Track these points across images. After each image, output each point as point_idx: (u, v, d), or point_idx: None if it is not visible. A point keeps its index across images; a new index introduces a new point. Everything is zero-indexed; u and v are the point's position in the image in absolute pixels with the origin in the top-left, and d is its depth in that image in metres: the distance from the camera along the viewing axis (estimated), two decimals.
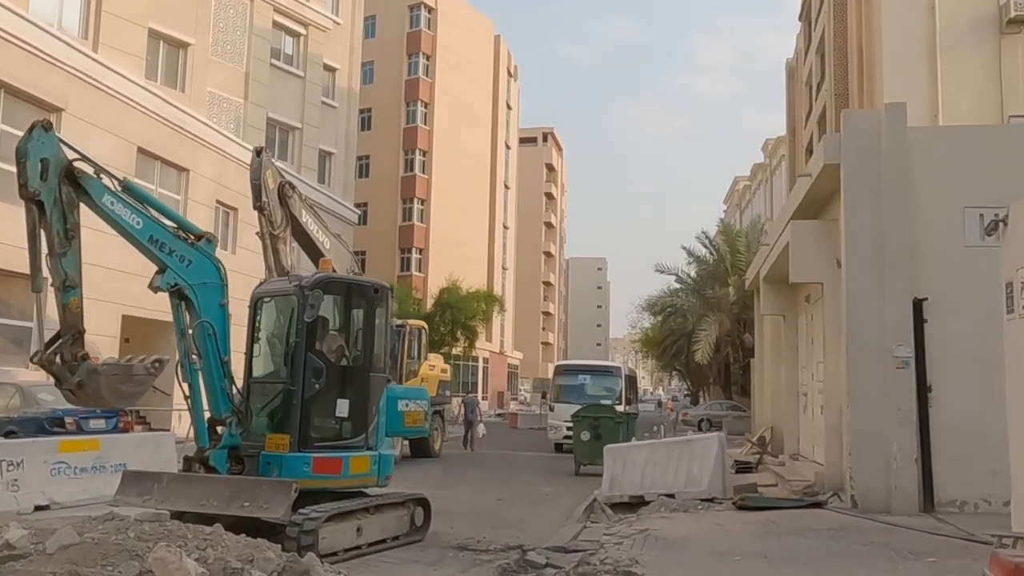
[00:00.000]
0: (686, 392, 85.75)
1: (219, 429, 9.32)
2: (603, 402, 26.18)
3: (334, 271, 11.71)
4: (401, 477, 17.93)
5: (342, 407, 9.73)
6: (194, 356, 9.13)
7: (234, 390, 9.45)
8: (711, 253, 38.23)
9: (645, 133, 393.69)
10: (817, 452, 15.80)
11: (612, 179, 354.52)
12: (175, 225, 9.23)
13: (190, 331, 9.14)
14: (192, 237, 9.27)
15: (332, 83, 38.14)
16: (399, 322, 22.74)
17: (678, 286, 40.08)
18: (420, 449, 23.54)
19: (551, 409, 27.24)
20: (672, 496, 13.10)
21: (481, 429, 28.78)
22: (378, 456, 9.98)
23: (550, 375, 31.70)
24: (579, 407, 21.76)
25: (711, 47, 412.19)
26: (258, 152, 11.84)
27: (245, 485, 8.73)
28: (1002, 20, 27.95)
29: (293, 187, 12.62)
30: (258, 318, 10.26)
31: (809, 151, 43.84)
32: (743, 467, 17.94)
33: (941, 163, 12.01)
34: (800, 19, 45.94)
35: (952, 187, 11.90)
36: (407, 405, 10.90)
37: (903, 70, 26.40)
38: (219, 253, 9.65)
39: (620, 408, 26.37)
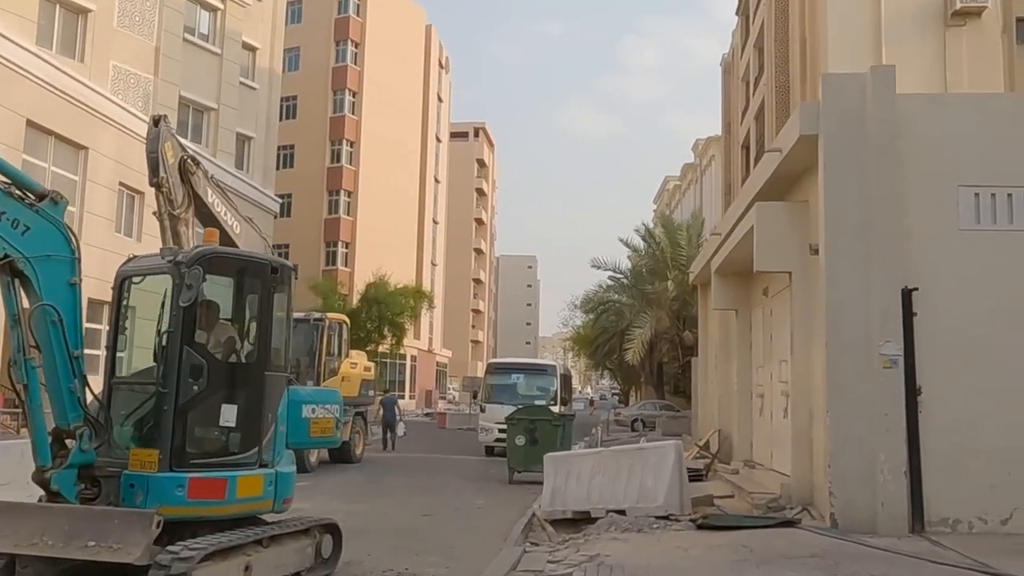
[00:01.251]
0: (614, 391, 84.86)
1: (67, 443, 7.22)
2: (538, 403, 24.48)
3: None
4: (314, 490, 15.90)
5: (228, 414, 7.66)
6: (32, 349, 7.02)
7: (88, 393, 7.35)
8: (650, 247, 36.65)
9: (575, 133, 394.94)
10: (777, 460, 14.27)
11: (543, 178, 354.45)
12: (6, 180, 7.07)
13: (27, 318, 7.02)
14: (32, 196, 7.14)
15: (252, 63, 35.62)
16: (317, 316, 20.66)
17: (612, 283, 38.38)
18: (340, 455, 21.44)
19: (482, 410, 25.39)
20: (623, 512, 11.37)
21: (401, 428, 27.80)
22: (274, 475, 7.94)
23: (480, 373, 29.83)
24: (512, 408, 20.00)
25: (640, 49, 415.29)
26: (155, 121, 9.70)
27: (92, 517, 6.66)
28: (947, 12, 27.12)
29: (197, 162, 10.53)
30: (124, 303, 8.14)
31: (745, 147, 42.87)
32: (693, 475, 16.25)
33: (934, 135, 10.52)
34: (737, 13, 44.94)
35: (946, 163, 10.42)
36: (314, 411, 8.84)
37: (848, 62, 25.10)
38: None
39: (556, 409, 24.79)
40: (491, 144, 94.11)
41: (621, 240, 36.29)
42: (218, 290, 8.32)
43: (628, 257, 38.10)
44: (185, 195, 10.39)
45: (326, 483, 16.83)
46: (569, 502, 12.31)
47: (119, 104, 26.11)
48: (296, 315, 20.45)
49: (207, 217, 12.14)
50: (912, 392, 10.04)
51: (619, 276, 37.59)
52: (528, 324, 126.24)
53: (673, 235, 35.60)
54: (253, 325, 8.33)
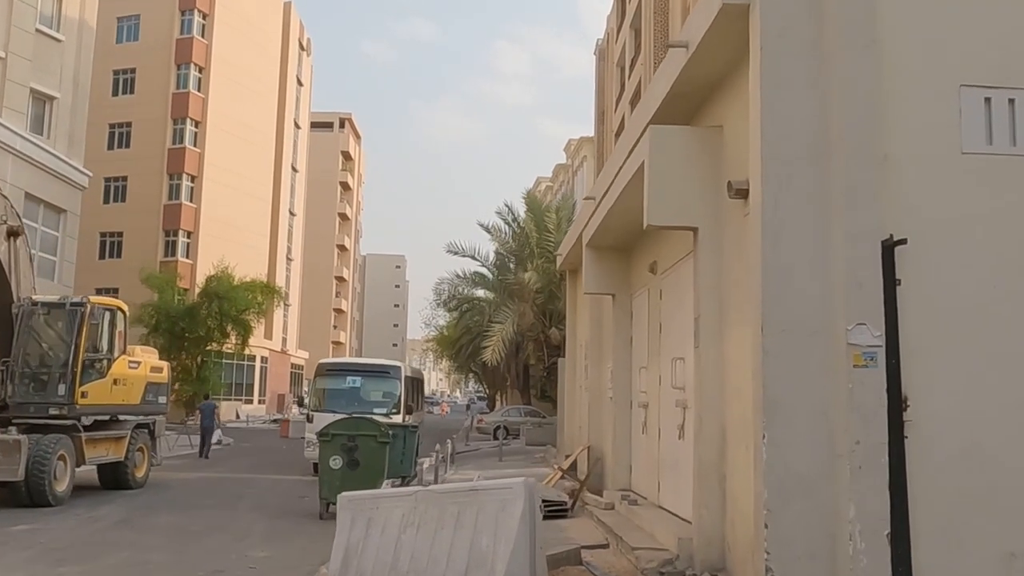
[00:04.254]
0: (481, 395, 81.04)
1: None
2: (377, 411, 20.13)
3: None
4: (24, 541, 11.06)
5: None
6: None
7: None
8: (513, 230, 32.38)
9: (446, 136, 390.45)
10: (668, 493, 10.36)
11: (413, 180, 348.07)
12: None
13: None
14: None
15: (57, 11, 29.67)
16: (77, 299, 15.57)
17: (472, 277, 33.74)
18: (115, 478, 16.44)
19: (309, 420, 20.71)
20: None
21: (217, 435, 26.60)
22: None
23: None
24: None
25: (511, 55, 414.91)
26: None
27: None
28: None
29: None
30: None
31: (619, 135, 39.74)
32: (553, 509, 12.23)
33: (929, 10, 6.73)
34: None
35: (944, 51, 6.65)
36: None
37: None
38: None
39: (398, 418, 20.40)
40: (358, 136, 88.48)
41: (481, 225, 31.95)
42: None
43: (490, 241, 33.70)
44: None
45: (59, 526, 11.93)
46: (367, 569, 7.98)
47: None
48: (46, 298, 15.38)
49: None
50: (897, 406, 6.20)
51: (479, 264, 33.09)
52: (395, 326, 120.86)
53: (540, 218, 31.44)
54: None
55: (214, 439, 26.23)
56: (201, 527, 12.32)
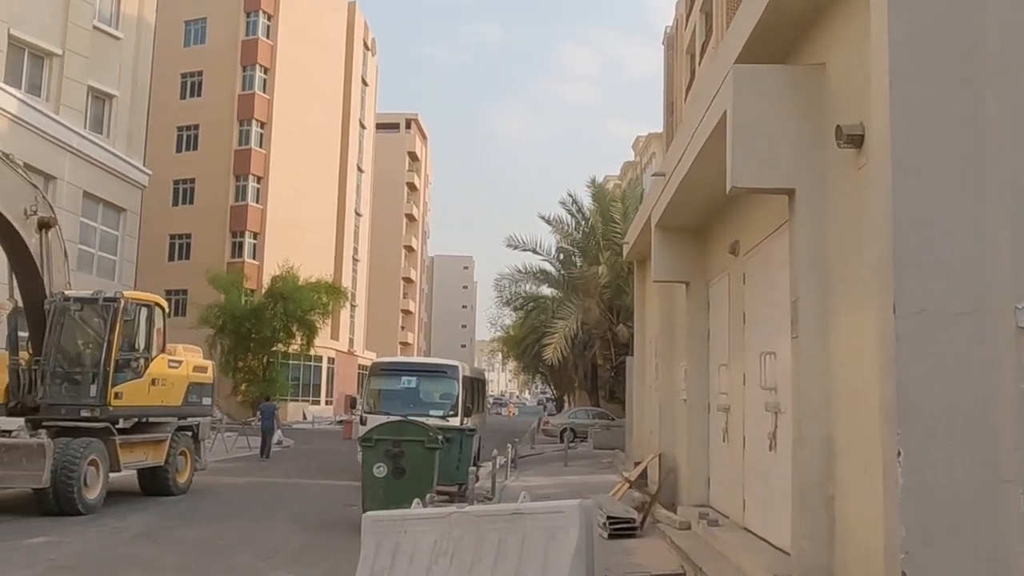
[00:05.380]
0: (549, 397, 79.42)
1: None
2: (433, 413, 18.83)
3: None
4: (36, 554, 9.96)
5: None
6: None
7: None
8: (577, 221, 30.51)
9: (512, 137, 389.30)
10: (755, 514, 8.69)
11: (480, 181, 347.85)
12: None
13: None
14: None
15: (116, 9, 29.21)
16: (111, 294, 14.56)
17: (535, 273, 31.93)
18: (155, 484, 15.42)
19: (362, 422, 19.45)
20: None
21: (277, 436, 26.48)
22: None
23: None
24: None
25: (577, 55, 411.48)
26: None
27: None
28: None
29: None
30: None
31: (689, 91, 37.42)
32: (619, 526, 10.67)
33: None
34: None
35: None
36: None
37: None
38: None
39: (455, 420, 19.05)
40: (424, 137, 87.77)
41: (542, 217, 30.15)
42: None
43: (552, 234, 31.79)
44: None
45: (78, 538, 10.83)
46: None
47: None
48: (79, 293, 14.41)
49: None
50: None
51: (541, 258, 31.26)
52: (464, 327, 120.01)
53: (606, 207, 29.53)
54: None
55: (274, 440, 25.89)
56: (229, 541, 11.09)
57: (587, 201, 30.44)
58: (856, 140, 5.78)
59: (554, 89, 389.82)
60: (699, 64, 34.32)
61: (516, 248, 30.23)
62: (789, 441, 7.04)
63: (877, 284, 5.06)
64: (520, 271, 31.98)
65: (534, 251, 30.32)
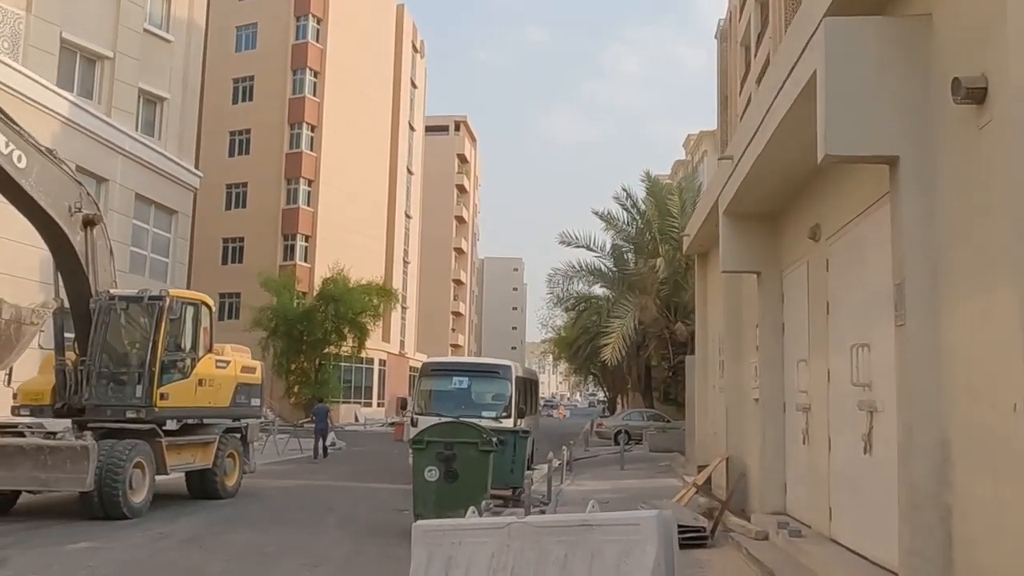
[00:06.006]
0: (600, 399, 78.32)
1: None
2: (486, 414, 18.21)
3: None
4: (77, 561, 9.50)
5: None
6: None
7: None
8: (632, 216, 29.49)
9: (560, 139, 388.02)
10: (843, 522, 7.83)
11: (528, 184, 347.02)
12: None
13: None
14: None
15: (167, 11, 29.17)
16: (155, 292, 14.16)
17: (586, 271, 30.97)
18: (203, 487, 15.00)
19: (413, 423, 18.91)
20: None
21: (331, 438, 26.45)
22: None
23: None
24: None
25: (624, 57, 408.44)
26: None
27: None
28: None
29: None
30: None
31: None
32: (689, 535, 9.85)
33: None
34: None
35: None
36: None
37: None
38: None
39: (508, 422, 18.40)
40: (473, 139, 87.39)
41: (596, 213, 29.22)
42: None
43: (605, 231, 30.81)
44: None
45: (122, 544, 10.37)
46: None
47: None
48: (124, 292, 14.05)
49: None
50: None
51: (595, 255, 30.30)
52: (514, 329, 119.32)
53: (662, 201, 28.48)
54: None
55: (328, 441, 25.84)
56: (276, 548, 10.53)
57: (641, 196, 29.49)
58: (977, 95, 4.96)
59: (601, 90, 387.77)
60: (755, 56, 33.24)
61: (569, 244, 29.41)
62: (888, 443, 6.22)
63: (1015, 257, 4.24)
64: (574, 267, 31.11)
65: (587, 247, 29.46)
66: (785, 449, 9.96)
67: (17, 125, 12.26)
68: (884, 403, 6.52)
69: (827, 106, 5.80)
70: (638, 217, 28.84)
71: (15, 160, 12.13)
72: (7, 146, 11.95)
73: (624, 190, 29.83)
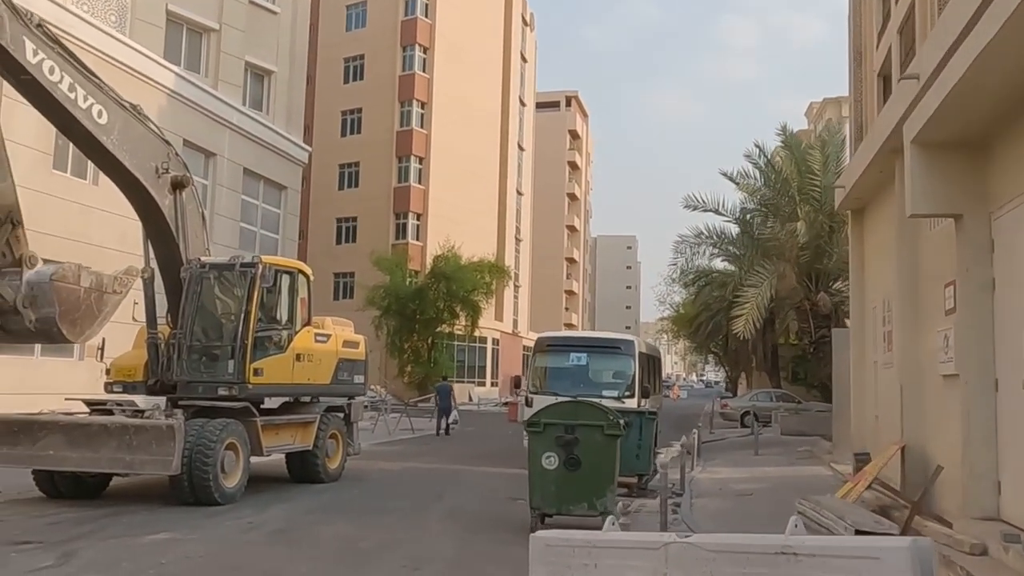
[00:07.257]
0: (717, 380, 75.12)
1: None
2: (607, 393, 16.41)
3: None
4: (151, 555, 8.30)
5: None
6: None
7: None
8: (768, 176, 26.60)
9: (673, 115, 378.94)
10: None
11: (638, 162, 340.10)
12: None
13: None
14: None
15: None
16: (247, 259, 12.92)
17: (709, 236, 28.37)
18: (303, 470, 13.81)
19: (528, 403, 17.31)
20: None
21: (454, 416, 26.13)
22: None
23: None
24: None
25: (739, 28, 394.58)
26: None
27: None
28: None
29: None
30: None
31: (883, 76, 33.07)
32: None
33: None
34: None
35: None
36: None
37: None
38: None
39: (631, 402, 16.57)
40: (584, 115, 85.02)
41: (724, 173, 26.55)
42: None
43: (735, 191, 28.09)
44: None
45: (206, 535, 9.14)
46: None
47: (86, 19, 19.87)
48: (216, 259, 12.93)
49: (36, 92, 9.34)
50: None
51: (725, 219, 27.57)
52: (628, 307, 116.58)
53: (801, 157, 25.43)
54: None
55: (451, 419, 25.73)
56: (373, 543, 9.09)
57: (778, 151, 26.68)
58: None
59: (713, 65, 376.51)
60: (895, 2, 29.94)
61: (695, 209, 26.93)
62: None
63: None
64: (704, 234, 28.62)
65: (715, 211, 26.94)
66: (997, 439, 7.78)
67: (97, 77, 11.20)
68: None
69: None
70: (773, 176, 26.11)
71: (95, 115, 11.03)
72: (86, 99, 10.86)
73: (757, 147, 27.08)
